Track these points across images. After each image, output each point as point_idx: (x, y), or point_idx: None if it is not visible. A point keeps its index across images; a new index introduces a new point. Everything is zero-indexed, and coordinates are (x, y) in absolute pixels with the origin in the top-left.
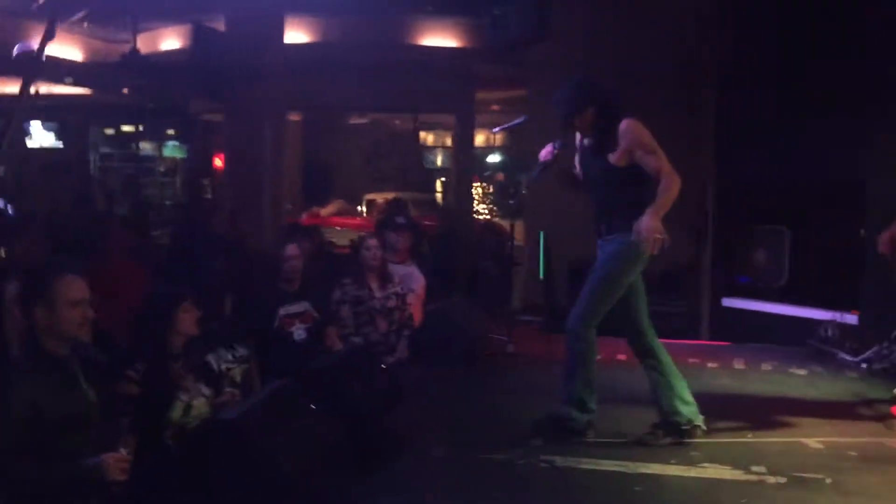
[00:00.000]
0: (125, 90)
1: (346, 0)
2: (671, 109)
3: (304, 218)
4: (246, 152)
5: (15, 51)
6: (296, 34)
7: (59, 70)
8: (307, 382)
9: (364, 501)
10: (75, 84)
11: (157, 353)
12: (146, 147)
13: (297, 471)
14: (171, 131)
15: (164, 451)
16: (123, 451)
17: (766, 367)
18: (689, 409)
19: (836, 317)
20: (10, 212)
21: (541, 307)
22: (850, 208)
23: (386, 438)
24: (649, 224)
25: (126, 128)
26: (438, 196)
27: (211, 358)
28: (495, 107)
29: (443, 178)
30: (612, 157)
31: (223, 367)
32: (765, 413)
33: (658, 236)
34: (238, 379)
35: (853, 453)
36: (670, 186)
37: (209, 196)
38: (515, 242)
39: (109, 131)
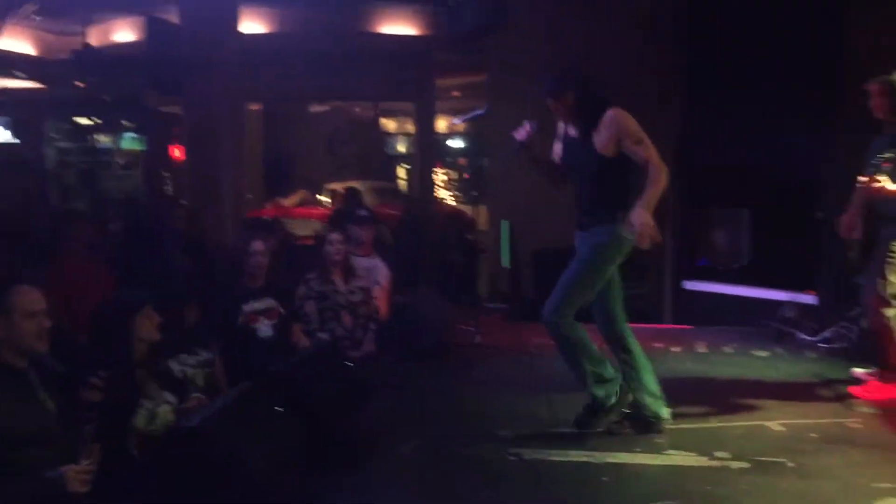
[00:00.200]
0: (80, 84)
1: None
2: (634, 94)
3: (267, 208)
4: (205, 144)
5: None
6: (252, 24)
7: (10, 64)
8: (271, 384)
9: (333, 502)
10: (28, 78)
11: (117, 359)
12: (104, 140)
13: (264, 475)
14: (127, 122)
15: (128, 461)
16: (85, 462)
17: (727, 349)
18: (655, 403)
19: (795, 297)
20: None
21: (506, 295)
22: (807, 190)
23: (354, 436)
24: (642, 218)
25: (82, 121)
26: (402, 183)
27: (173, 364)
28: (456, 93)
29: (405, 166)
30: (599, 146)
31: (187, 371)
32: (728, 396)
33: (650, 231)
34: (202, 383)
35: (814, 435)
36: (659, 178)
37: (169, 187)
38: (480, 229)
39: (65, 126)
